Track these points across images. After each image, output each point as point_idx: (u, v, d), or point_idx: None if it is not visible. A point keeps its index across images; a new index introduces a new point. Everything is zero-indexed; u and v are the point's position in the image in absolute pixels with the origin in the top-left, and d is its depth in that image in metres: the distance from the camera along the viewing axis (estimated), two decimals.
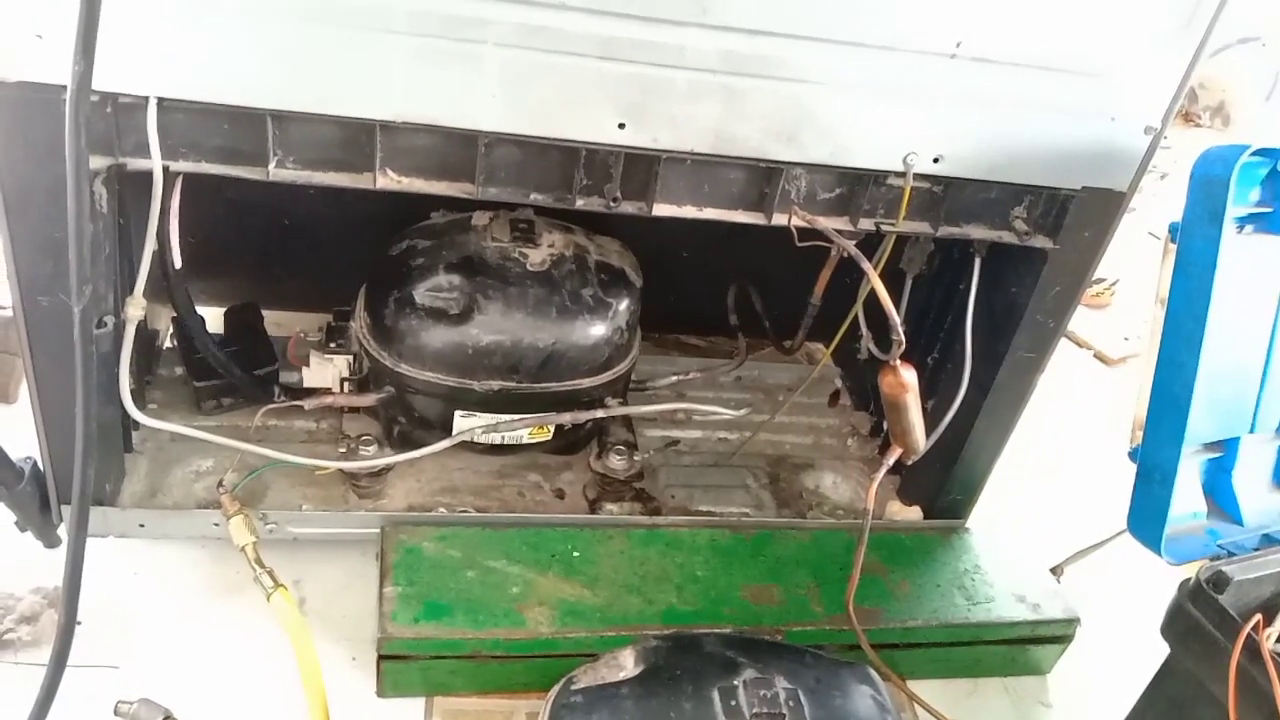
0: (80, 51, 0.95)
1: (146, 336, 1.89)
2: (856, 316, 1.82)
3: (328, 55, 1.27)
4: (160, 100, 1.27)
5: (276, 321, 2.10)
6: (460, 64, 1.30)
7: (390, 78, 1.30)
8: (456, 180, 1.44)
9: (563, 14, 1.28)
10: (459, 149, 1.40)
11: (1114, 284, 3.29)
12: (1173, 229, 1.49)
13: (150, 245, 1.47)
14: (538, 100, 1.35)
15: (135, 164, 1.32)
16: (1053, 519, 2.16)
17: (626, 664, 1.46)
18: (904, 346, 1.50)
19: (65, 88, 1.00)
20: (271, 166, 1.36)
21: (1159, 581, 1.59)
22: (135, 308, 1.49)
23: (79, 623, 1.30)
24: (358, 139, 1.37)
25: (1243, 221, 1.46)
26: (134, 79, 1.24)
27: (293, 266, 2.13)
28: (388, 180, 1.40)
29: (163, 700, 1.45)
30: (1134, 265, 2.44)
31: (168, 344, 2.03)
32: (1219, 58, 4.65)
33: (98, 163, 1.30)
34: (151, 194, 1.37)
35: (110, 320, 1.47)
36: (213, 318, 1.98)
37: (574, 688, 1.43)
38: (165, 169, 1.33)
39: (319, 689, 1.46)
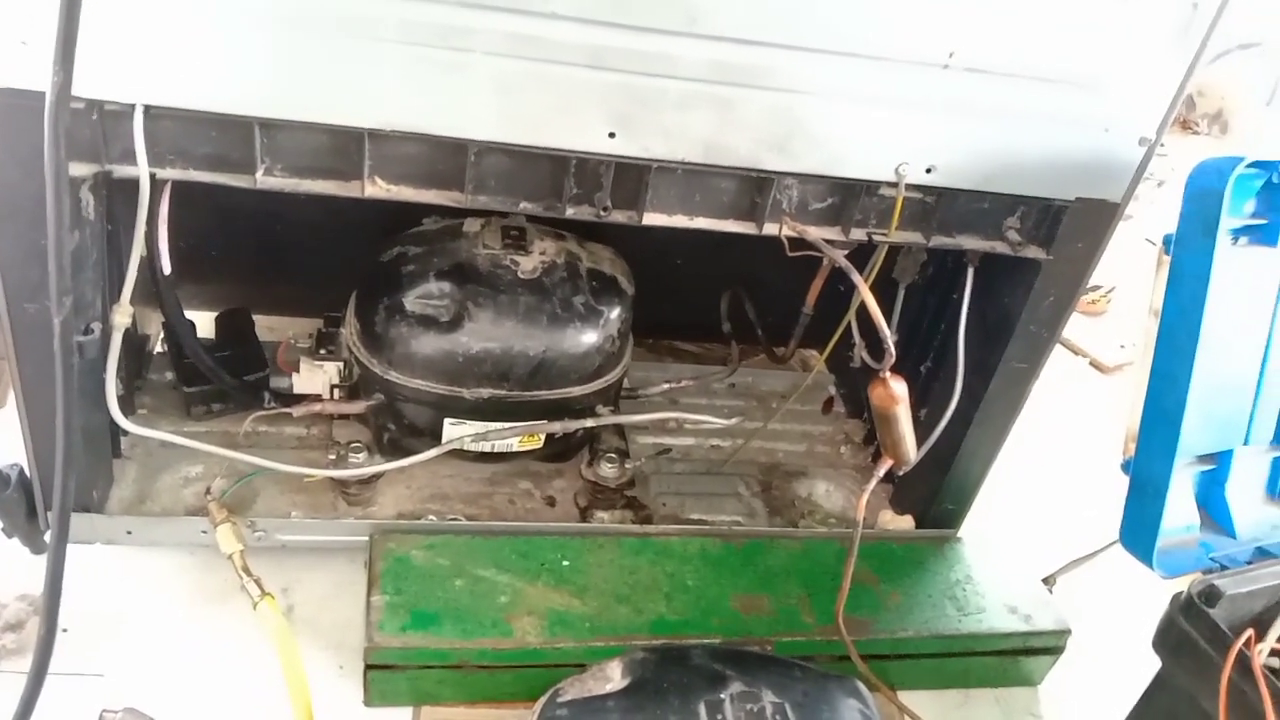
0: (59, 61, 0.94)
1: (136, 341, 1.88)
2: (850, 324, 1.82)
3: (316, 63, 1.26)
4: (147, 108, 1.26)
5: (267, 327, 2.08)
6: (450, 73, 1.29)
7: (379, 86, 1.29)
8: (446, 189, 1.43)
9: (552, 23, 1.26)
10: (448, 157, 1.39)
11: (1110, 291, 3.28)
12: (1167, 241, 1.48)
13: (138, 252, 1.46)
14: (528, 109, 1.34)
15: (122, 171, 1.31)
16: (1045, 529, 2.15)
17: (613, 676, 1.45)
18: (895, 358, 1.49)
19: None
20: (259, 174, 1.35)
21: (1151, 593, 1.58)
22: (121, 315, 1.48)
23: (64, 630, 1.30)
24: (346, 147, 1.36)
25: (1237, 234, 1.45)
26: (120, 86, 1.23)
27: (284, 272, 2.11)
28: (376, 189, 1.39)
29: (148, 709, 1.45)
30: (1130, 272, 2.44)
31: (158, 349, 2.02)
32: (1217, 64, 4.64)
33: (84, 170, 1.29)
34: (139, 201, 1.36)
35: (97, 327, 1.46)
36: (203, 323, 1.97)
37: (560, 700, 1.43)
38: (152, 176, 1.32)
39: (305, 698, 1.46)
